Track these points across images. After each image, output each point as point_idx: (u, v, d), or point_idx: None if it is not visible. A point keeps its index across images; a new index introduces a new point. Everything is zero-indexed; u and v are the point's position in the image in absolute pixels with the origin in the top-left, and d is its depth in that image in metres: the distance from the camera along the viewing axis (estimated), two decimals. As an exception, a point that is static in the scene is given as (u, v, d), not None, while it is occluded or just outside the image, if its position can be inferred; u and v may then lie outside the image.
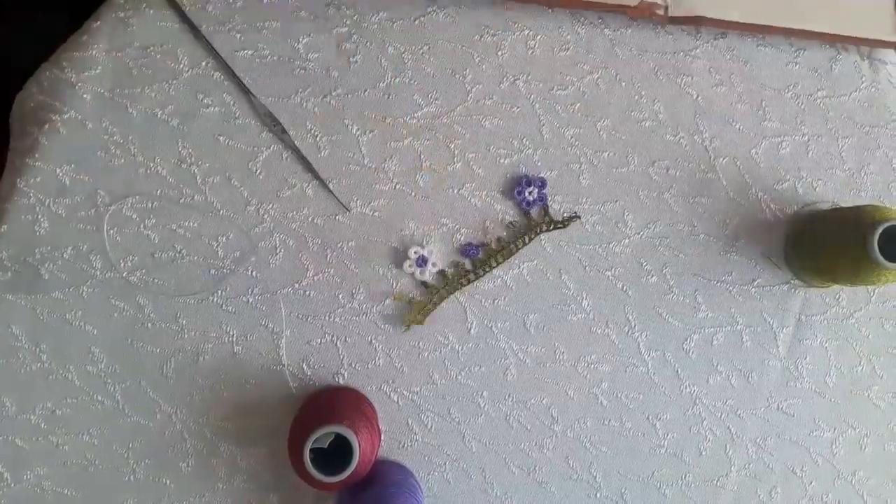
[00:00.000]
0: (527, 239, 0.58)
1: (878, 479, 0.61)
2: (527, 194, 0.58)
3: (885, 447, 0.61)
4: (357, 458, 0.49)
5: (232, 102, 0.57)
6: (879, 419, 0.60)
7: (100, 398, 0.57)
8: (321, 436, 0.49)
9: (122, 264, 0.56)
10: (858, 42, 0.59)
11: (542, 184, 0.58)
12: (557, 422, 0.59)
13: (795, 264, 0.59)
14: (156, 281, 0.56)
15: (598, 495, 0.60)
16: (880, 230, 0.50)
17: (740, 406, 0.60)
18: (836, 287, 0.60)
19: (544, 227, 0.58)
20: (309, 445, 0.48)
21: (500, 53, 0.58)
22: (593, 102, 0.59)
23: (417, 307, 0.57)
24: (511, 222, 0.58)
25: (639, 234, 0.59)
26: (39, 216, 0.55)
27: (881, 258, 0.49)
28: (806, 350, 0.60)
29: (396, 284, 0.58)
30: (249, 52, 0.57)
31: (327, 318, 0.58)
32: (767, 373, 0.60)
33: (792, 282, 0.60)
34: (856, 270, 0.53)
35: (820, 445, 0.60)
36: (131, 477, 0.57)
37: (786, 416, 0.60)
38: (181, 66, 0.56)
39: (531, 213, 0.58)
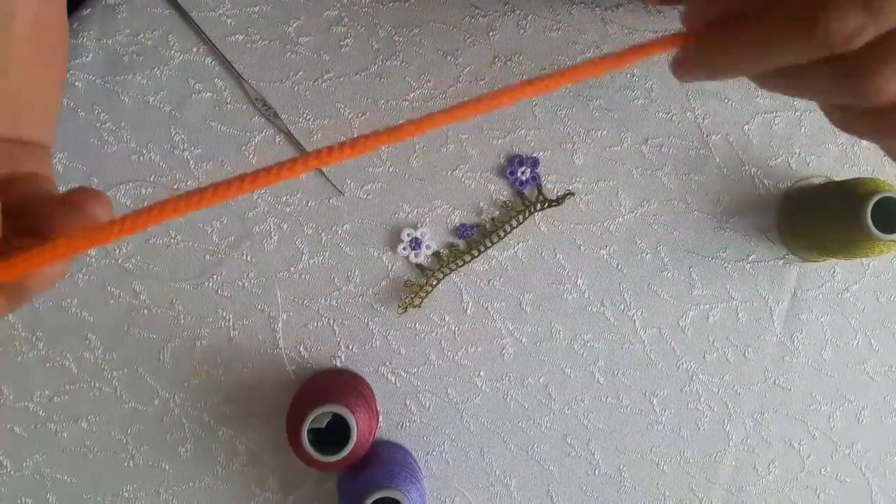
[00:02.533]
0: (521, 218, 0.58)
1: (875, 452, 0.61)
2: (519, 174, 0.58)
3: (883, 420, 0.61)
4: (355, 437, 0.49)
5: (223, 87, 0.57)
6: (876, 392, 0.61)
7: (97, 385, 0.57)
8: (319, 416, 0.49)
9: (117, 251, 0.56)
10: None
11: (535, 163, 0.58)
12: (555, 400, 0.59)
13: (789, 240, 0.59)
14: (151, 267, 0.57)
15: (596, 472, 0.60)
16: (874, 201, 0.50)
17: (737, 381, 0.60)
18: (832, 262, 0.60)
19: (538, 206, 0.58)
20: (307, 426, 0.49)
21: (491, 34, 0.58)
22: (585, 82, 0.59)
23: (413, 290, 0.58)
24: (505, 202, 0.58)
25: (633, 212, 0.59)
26: (33, 204, 0.55)
27: (874, 229, 0.49)
28: (802, 325, 0.60)
29: (392, 267, 0.58)
30: (240, 37, 0.57)
31: (323, 301, 0.58)
32: (763, 348, 0.60)
33: (787, 257, 0.60)
34: (850, 243, 0.53)
35: (817, 419, 0.60)
36: (130, 462, 0.57)
37: (783, 390, 0.60)
38: (172, 52, 0.56)
39: (524, 192, 0.58)
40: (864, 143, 0.60)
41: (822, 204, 0.56)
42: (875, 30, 0.25)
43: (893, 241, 0.50)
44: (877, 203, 0.50)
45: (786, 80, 0.29)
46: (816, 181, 0.60)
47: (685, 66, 0.30)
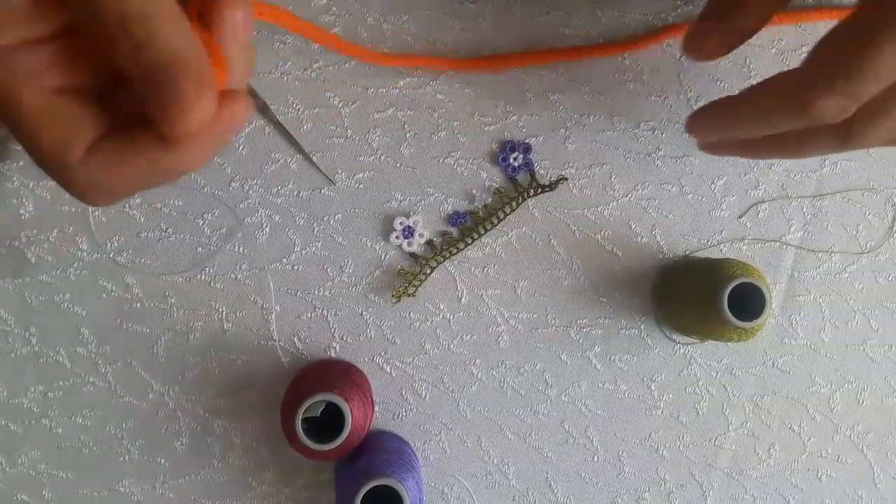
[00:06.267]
0: (514, 205, 0.58)
1: (877, 433, 0.60)
2: (512, 160, 0.57)
3: (884, 400, 0.60)
4: (349, 425, 0.48)
5: (212, 79, 0.56)
6: (876, 372, 0.60)
7: (91, 379, 0.57)
8: (312, 404, 0.49)
9: (109, 245, 0.56)
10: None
11: (528, 149, 0.58)
12: (552, 387, 0.59)
13: (658, 314, 0.59)
14: (143, 261, 0.56)
15: (595, 458, 0.59)
16: (732, 285, 0.49)
17: (735, 365, 0.59)
18: (829, 243, 0.59)
19: (531, 192, 0.58)
20: (300, 415, 0.48)
21: (480, 21, 0.58)
22: (576, 66, 0.58)
23: (407, 279, 0.57)
24: (498, 189, 0.58)
25: (627, 196, 0.59)
26: (24, 199, 0.55)
27: (729, 313, 0.49)
28: (800, 306, 0.60)
29: (385, 256, 0.57)
30: (228, 28, 0.56)
31: (317, 291, 0.57)
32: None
33: (783, 239, 0.59)
34: (705, 323, 0.53)
35: (817, 401, 0.60)
36: (126, 457, 0.57)
37: (782, 372, 0.60)
38: (160, 44, 0.56)
39: (517, 178, 0.58)
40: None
41: (687, 281, 0.56)
42: (856, 105, 0.32)
43: (744, 327, 0.49)
44: (737, 288, 0.49)
45: (785, 142, 0.40)
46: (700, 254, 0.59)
47: (695, 129, 0.46)
